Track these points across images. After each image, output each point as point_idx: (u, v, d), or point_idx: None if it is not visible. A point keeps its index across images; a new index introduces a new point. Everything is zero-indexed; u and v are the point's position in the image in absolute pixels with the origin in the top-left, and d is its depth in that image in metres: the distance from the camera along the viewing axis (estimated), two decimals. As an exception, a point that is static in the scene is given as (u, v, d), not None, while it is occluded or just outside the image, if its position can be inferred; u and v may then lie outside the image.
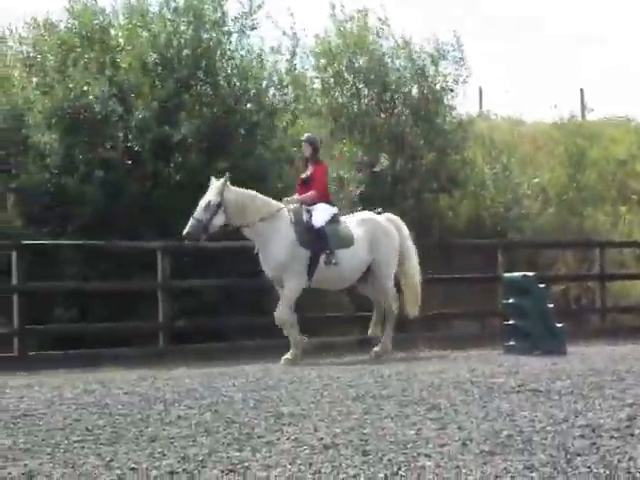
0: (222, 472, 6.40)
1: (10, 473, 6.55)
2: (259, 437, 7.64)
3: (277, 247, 14.98)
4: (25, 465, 6.78)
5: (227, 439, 7.59)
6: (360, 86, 22.03)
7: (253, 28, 19.75)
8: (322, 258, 15.17)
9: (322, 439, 7.46)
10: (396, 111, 21.93)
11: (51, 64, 18.62)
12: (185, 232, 14.70)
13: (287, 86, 20.76)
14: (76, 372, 13.90)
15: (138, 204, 17.77)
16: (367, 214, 16.35)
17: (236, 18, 19.55)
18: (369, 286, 16.11)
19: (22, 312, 16.20)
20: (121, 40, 18.85)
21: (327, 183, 16.04)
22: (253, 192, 15.32)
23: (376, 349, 15.72)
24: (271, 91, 20.32)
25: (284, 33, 21.00)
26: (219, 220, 14.86)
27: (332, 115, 21.70)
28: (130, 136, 17.90)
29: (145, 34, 18.88)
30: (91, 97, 17.77)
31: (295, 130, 19.71)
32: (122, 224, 17.50)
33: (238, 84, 19.15)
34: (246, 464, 6.62)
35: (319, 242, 15.14)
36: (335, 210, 15.67)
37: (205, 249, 16.97)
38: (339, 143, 20.54)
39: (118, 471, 6.48)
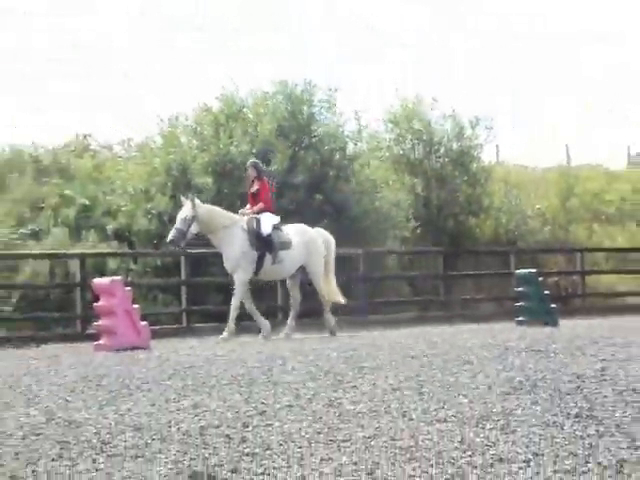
0: (323, 406, 6.43)
1: (183, 404, 6.65)
2: (347, 382, 7.64)
3: (233, 249, 13.73)
4: (192, 399, 6.87)
5: (326, 384, 7.60)
6: (414, 142, 22.08)
7: (333, 104, 19.92)
8: (269, 258, 13.87)
9: (391, 384, 7.45)
10: (440, 160, 21.96)
11: (207, 132, 18.89)
12: (169, 239, 13.79)
13: (361, 142, 21.08)
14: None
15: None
16: (302, 226, 14.76)
17: (321, 100, 19.80)
18: (293, 283, 14.53)
19: (188, 297, 16.48)
20: (251, 115, 19.12)
21: (271, 197, 14.68)
22: (216, 207, 14.37)
23: (286, 331, 14.18)
24: (351, 146, 20.49)
25: (356, 114, 21.22)
26: (194, 229, 13.65)
27: (394, 162, 21.74)
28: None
29: (265, 112, 19.12)
30: (234, 153, 18.06)
31: (370, 172, 19.85)
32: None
33: (327, 143, 19.28)
34: (339, 401, 6.65)
35: (266, 245, 13.83)
36: (278, 219, 14.28)
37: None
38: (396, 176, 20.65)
39: (253, 404, 6.55)
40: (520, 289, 16.27)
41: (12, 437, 5.43)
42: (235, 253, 13.74)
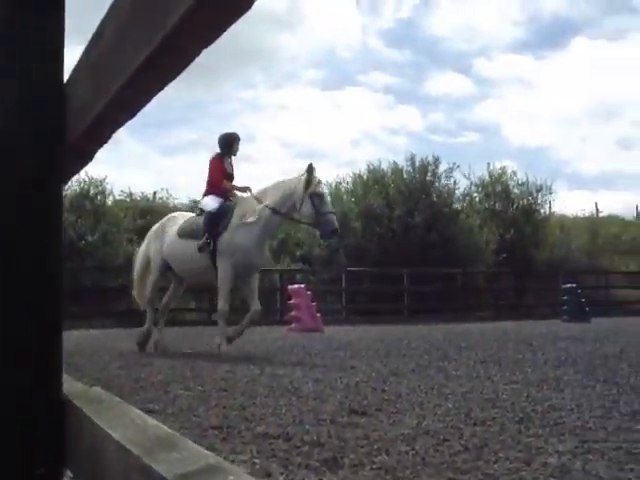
0: (435, 371, 6.28)
1: (343, 366, 6.63)
2: (450, 356, 7.45)
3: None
4: (349, 364, 6.81)
5: (437, 356, 7.42)
6: (496, 200, 21.61)
7: (449, 174, 19.81)
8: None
9: (480, 358, 7.23)
10: (514, 212, 21.47)
11: (359, 192, 19.06)
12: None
13: (464, 201, 20.79)
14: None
15: (415, 253, 17.71)
16: None
17: (444, 171, 19.62)
18: None
19: (346, 299, 16.30)
20: (389, 181, 19.13)
21: None
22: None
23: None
24: (457, 201, 20.22)
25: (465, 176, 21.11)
26: None
27: (483, 213, 21.21)
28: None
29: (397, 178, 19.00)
30: (375, 205, 18.06)
31: (468, 219, 19.48)
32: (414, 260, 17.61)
33: (440, 198, 19.06)
34: (445, 368, 6.50)
35: None
36: None
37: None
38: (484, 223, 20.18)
39: (389, 368, 6.42)
40: (564, 297, 15.76)
41: (239, 382, 5.61)
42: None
